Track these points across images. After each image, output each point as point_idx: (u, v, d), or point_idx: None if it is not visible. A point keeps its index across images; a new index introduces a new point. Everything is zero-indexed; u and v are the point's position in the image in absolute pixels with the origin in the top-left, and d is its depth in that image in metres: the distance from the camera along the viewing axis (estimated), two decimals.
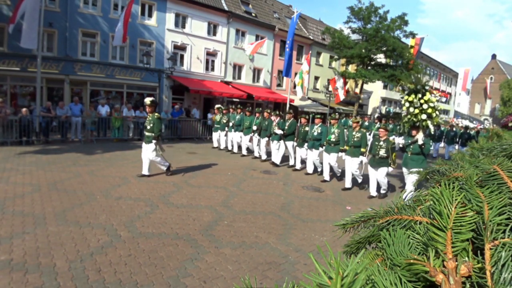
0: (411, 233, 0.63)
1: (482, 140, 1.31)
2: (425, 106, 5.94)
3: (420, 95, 5.96)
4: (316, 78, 27.23)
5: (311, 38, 26.08)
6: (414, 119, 6.04)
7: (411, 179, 5.80)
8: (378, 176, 6.57)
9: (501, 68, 50.39)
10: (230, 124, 11.31)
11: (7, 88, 14.52)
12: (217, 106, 13.13)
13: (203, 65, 19.99)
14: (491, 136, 1.48)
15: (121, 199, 5.42)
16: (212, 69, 20.81)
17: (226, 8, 20.36)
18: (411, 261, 0.52)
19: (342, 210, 5.79)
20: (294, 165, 9.27)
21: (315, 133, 8.23)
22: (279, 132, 9.14)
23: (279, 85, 24.63)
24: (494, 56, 52.24)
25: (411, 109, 6.01)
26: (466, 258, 0.52)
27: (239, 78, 22.14)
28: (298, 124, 9.62)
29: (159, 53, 18.05)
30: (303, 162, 9.08)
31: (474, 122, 42.17)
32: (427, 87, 6.03)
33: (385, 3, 33.49)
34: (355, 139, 7.15)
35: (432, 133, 14.48)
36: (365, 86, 25.32)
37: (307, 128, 8.62)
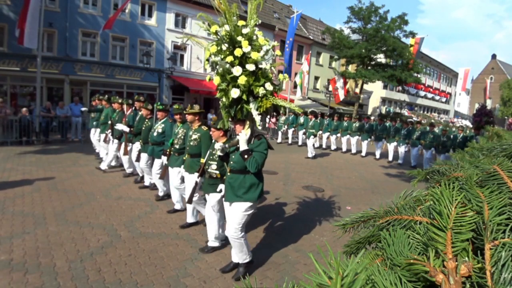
0: (411, 233, 0.63)
1: (482, 140, 1.31)
2: (236, 70, 2.83)
3: (227, 46, 2.89)
4: (316, 78, 27.23)
5: (311, 38, 26.08)
6: (224, 99, 3.01)
7: (233, 222, 3.17)
8: (207, 206, 3.83)
9: (501, 68, 50.40)
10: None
11: (7, 88, 14.52)
12: (95, 96, 9.71)
13: (203, 65, 19.98)
14: (491, 136, 1.49)
15: (121, 199, 5.42)
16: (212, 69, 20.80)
17: None
18: (411, 261, 0.52)
19: (342, 210, 5.79)
20: (143, 180, 6.35)
21: (155, 134, 5.47)
22: (124, 129, 6.38)
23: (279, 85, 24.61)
24: (494, 56, 52.26)
25: (216, 80, 2.99)
26: (466, 258, 0.52)
27: None
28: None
29: (159, 53, 18.06)
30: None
31: None
32: (246, 29, 2.91)
33: (384, 3, 33.56)
34: (191, 143, 4.27)
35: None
36: (365, 86, 25.32)
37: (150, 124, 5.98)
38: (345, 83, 22.52)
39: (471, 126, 19.51)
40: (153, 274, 3.20)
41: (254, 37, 2.98)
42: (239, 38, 2.86)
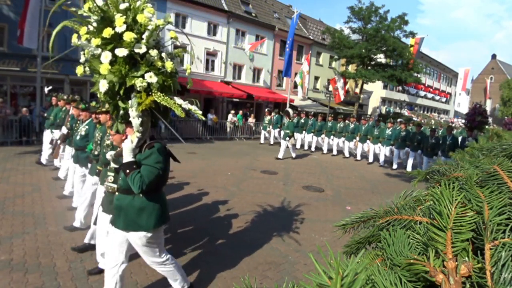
0: (411, 233, 0.63)
1: (482, 140, 1.31)
2: (104, 57, 2.17)
3: (96, 26, 2.29)
4: (316, 78, 27.23)
5: (311, 38, 26.08)
6: (99, 94, 2.30)
7: (144, 258, 2.60)
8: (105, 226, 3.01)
9: (501, 68, 50.40)
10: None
11: (7, 88, 14.53)
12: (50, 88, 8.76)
13: (203, 65, 19.99)
14: (491, 136, 1.49)
15: None
16: (212, 69, 20.81)
17: (226, 8, 20.36)
18: (411, 261, 0.52)
19: (342, 210, 5.79)
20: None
21: (78, 137, 4.65)
22: (63, 130, 5.80)
23: (279, 85, 24.64)
24: (494, 56, 52.25)
25: (78, 69, 2.36)
26: (466, 258, 0.52)
27: (239, 78, 22.14)
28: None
29: None
30: None
31: None
32: (124, 4, 2.24)
33: (384, 3, 33.56)
34: (104, 149, 3.40)
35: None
36: (365, 86, 25.34)
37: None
38: (345, 83, 22.53)
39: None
40: (153, 274, 3.20)
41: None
42: (117, 16, 2.18)
